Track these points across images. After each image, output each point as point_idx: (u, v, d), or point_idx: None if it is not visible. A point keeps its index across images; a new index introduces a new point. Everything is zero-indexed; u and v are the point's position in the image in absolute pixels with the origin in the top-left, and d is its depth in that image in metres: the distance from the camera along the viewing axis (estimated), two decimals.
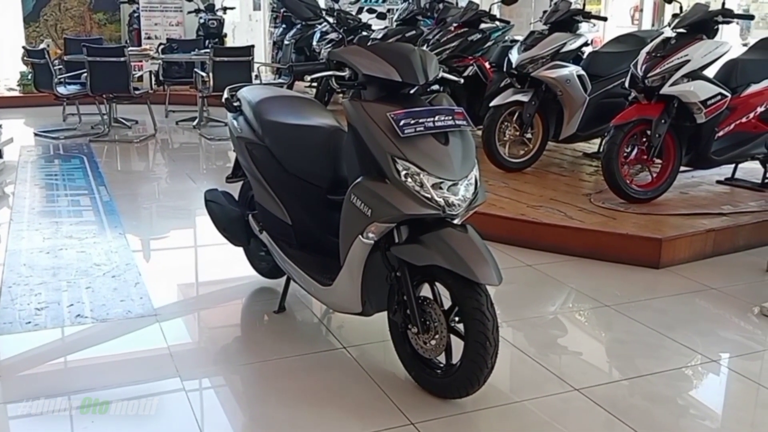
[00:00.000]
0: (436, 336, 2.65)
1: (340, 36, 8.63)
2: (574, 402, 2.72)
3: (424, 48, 6.51)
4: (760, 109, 4.97)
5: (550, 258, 4.28)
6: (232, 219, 3.57)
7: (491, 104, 5.67)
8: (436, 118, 2.59)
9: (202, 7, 11.90)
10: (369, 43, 7.46)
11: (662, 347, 3.17)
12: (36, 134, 8.42)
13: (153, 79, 10.28)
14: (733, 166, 5.45)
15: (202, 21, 11.74)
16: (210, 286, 3.99)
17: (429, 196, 2.51)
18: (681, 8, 5.39)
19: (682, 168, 5.06)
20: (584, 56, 6.08)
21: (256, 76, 8.35)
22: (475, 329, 2.51)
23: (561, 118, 5.75)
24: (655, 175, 4.89)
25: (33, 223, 4.90)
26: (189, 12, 12.03)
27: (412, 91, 2.68)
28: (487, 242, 4.34)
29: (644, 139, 4.78)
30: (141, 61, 10.34)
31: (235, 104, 3.49)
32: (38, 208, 5.32)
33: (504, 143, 5.74)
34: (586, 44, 5.83)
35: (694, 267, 4.16)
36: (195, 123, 8.76)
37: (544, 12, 5.88)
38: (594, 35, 15.29)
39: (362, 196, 2.61)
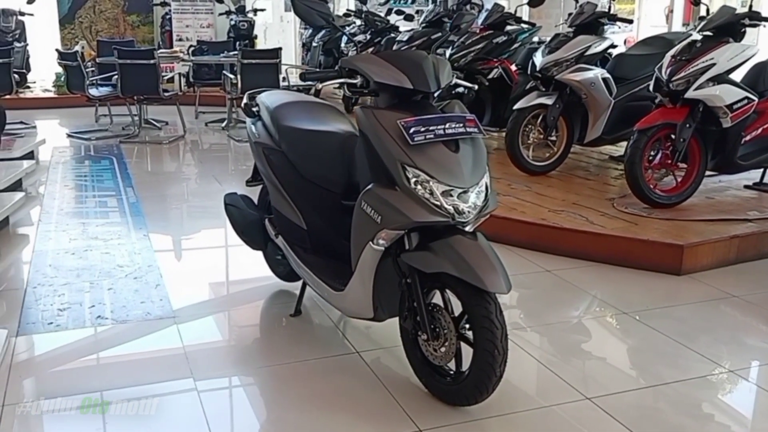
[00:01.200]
0: (446, 343, 2.65)
1: (366, 38, 8.71)
2: (585, 411, 2.70)
3: (448, 51, 6.53)
4: None
5: (570, 263, 4.25)
6: (250, 223, 3.61)
7: (515, 107, 5.65)
8: (447, 125, 2.59)
9: (233, 8, 12.02)
10: (394, 45, 7.51)
11: (679, 356, 3.14)
12: (69, 135, 8.59)
13: (183, 80, 10.42)
14: (761, 170, 5.35)
15: (232, 23, 11.87)
16: (229, 288, 4.04)
17: (438, 203, 2.52)
18: (708, 11, 5.31)
19: (708, 172, 5.00)
20: (611, 58, 6.03)
21: (284, 78, 8.41)
22: (484, 337, 2.51)
23: (586, 121, 5.70)
24: (679, 179, 4.82)
25: (61, 224, 5.01)
26: (220, 14, 12.16)
27: (426, 97, 2.69)
28: (508, 247, 4.45)
29: (669, 144, 4.72)
30: (172, 63, 10.49)
31: (254, 109, 3.53)
32: (66, 209, 5.43)
33: (528, 146, 5.71)
34: (612, 47, 5.77)
35: (716, 274, 4.10)
36: (224, 125, 8.86)
37: (569, 14, 5.84)
38: (628, 35, 15.17)
39: (372, 203, 2.62)
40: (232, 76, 8.21)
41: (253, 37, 12.02)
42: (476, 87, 3.10)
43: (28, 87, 11.61)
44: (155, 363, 3.13)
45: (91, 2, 12.77)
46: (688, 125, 4.61)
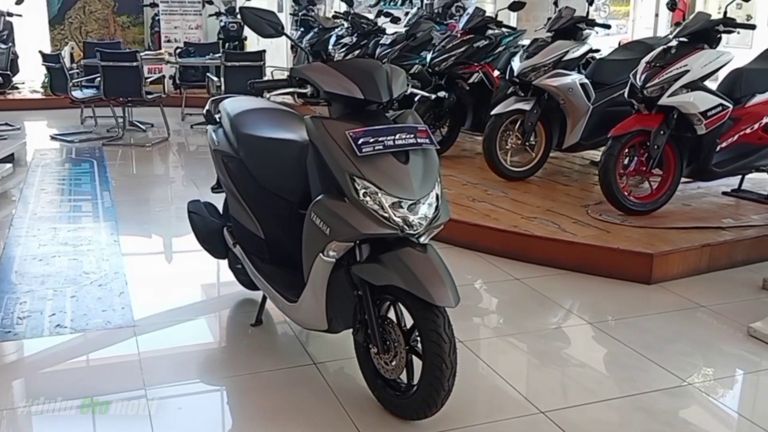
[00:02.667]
0: (396, 357, 2.62)
1: (353, 41, 8.66)
2: (538, 425, 2.67)
3: (429, 55, 6.49)
4: (765, 120, 4.85)
5: (540, 272, 4.21)
6: (211, 231, 3.58)
7: (492, 113, 5.62)
8: (397, 136, 2.56)
9: (222, 10, 12.00)
10: (377, 49, 7.47)
11: (639, 369, 3.10)
12: (53, 137, 8.56)
13: (171, 82, 10.38)
14: (740, 177, 5.32)
15: (222, 24, 11.84)
16: (194, 296, 3.98)
17: (387, 215, 2.48)
18: (684, 16, 5.27)
19: (684, 180, 4.97)
20: (591, 63, 5.99)
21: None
22: (432, 351, 2.48)
23: (564, 126, 5.67)
24: (654, 187, 4.79)
25: (32, 229, 4.97)
26: (210, 15, 12.15)
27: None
28: (480, 254, 4.41)
29: (643, 150, 4.68)
30: (161, 65, 10.46)
31: (217, 116, 3.50)
32: (40, 213, 5.39)
33: (506, 152, 5.68)
34: (591, 51, 5.73)
35: (687, 283, 4.06)
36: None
37: (549, 19, 5.81)
38: (622, 37, 15.12)
39: (321, 215, 2.59)
40: (215, 78, 8.18)
41: (243, 38, 11.99)
42: (433, 96, 3.07)
43: (17, 88, 11.57)
44: (108, 373, 3.09)
45: (80, 3, 12.77)
46: (662, 132, 4.58)
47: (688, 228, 4.47)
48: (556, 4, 6.03)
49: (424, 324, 2.49)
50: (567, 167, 6.32)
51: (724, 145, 4.78)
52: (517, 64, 5.55)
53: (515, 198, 5.20)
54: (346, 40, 9.05)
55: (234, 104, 3.50)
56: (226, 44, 11.59)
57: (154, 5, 11.89)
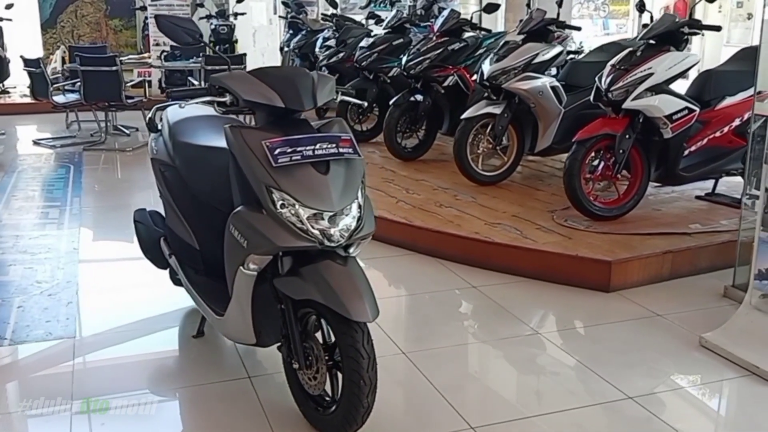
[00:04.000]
0: (319, 372, 2.56)
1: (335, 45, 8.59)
2: None
3: (404, 58, 6.41)
4: (735, 123, 4.75)
5: (499, 279, 4.14)
6: (155, 241, 3.52)
7: (462, 116, 5.55)
8: (318, 146, 2.49)
9: (213, 13, 11.95)
10: (356, 51, 7.39)
11: (580, 381, 3.03)
12: (35, 142, 8.54)
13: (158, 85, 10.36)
14: (713, 181, 5.23)
15: (212, 27, 11.79)
16: (143, 306, 3.89)
17: (305, 228, 2.42)
18: (652, 18, 5.18)
19: (654, 184, 4.89)
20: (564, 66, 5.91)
21: None
22: (350, 367, 2.42)
23: (537, 130, 5.58)
24: (621, 192, 4.71)
25: None
26: (200, 18, 12.09)
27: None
28: (440, 261, 4.33)
29: (610, 155, 4.60)
30: (150, 68, 10.44)
31: (158, 124, 3.44)
32: (6, 220, 5.36)
33: (477, 156, 5.60)
34: (562, 54, 5.65)
35: (647, 291, 3.98)
36: None
37: (520, 21, 5.73)
38: (623, 36, 14.99)
39: (239, 227, 2.53)
40: (196, 82, 8.13)
41: (234, 41, 11.94)
42: (365, 104, 2.99)
43: (7, 92, 11.59)
44: (37, 385, 3.04)
45: (72, 7, 12.77)
46: (627, 136, 4.49)
47: (652, 234, 4.38)
48: (528, 5, 5.94)
49: (342, 339, 2.43)
50: (544, 171, 6.23)
51: (692, 149, 4.70)
52: (487, 68, 5.47)
53: (483, 203, 5.13)
54: (331, 42, 8.98)
55: (176, 112, 3.43)
56: (217, 47, 11.54)
57: (144, 8, 11.86)
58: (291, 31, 10.91)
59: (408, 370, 3.10)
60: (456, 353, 3.32)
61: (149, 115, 3.46)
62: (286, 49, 10.23)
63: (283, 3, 11.20)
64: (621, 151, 4.50)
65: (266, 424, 2.71)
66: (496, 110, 5.44)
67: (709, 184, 5.28)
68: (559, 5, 5.79)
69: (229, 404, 2.85)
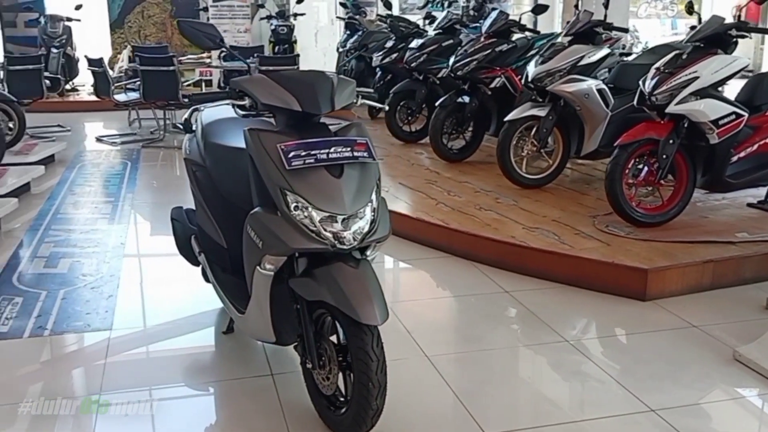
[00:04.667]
0: (331, 372, 2.59)
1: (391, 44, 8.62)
2: None
3: (452, 59, 6.39)
4: None
5: (534, 285, 4.09)
6: (188, 239, 3.61)
7: (506, 119, 5.51)
8: (332, 149, 2.52)
9: (273, 13, 12.14)
10: (407, 53, 7.40)
11: (602, 391, 2.98)
12: (97, 139, 8.85)
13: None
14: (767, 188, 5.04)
15: (272, 27, 11.98)
16: (180, 301, 4.00)
17: (316, 230, 2.45)
18: (700, 19, 5.03)
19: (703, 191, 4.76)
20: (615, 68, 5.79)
21: None
22: (359, 369, 2.44)
23: (583, 133, 5.49)
24: (666, 198, 4.59)
25: (48, 230, 5.14)
26: (261, 18, 12.32)
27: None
28: (476, 264, 4.31)
29: (654, 160, 4.50)
30: (209, 68, 10.68)
31: (194, 125, 3.53)
32: (61, 214, 5.58)
33: (521, 159, 5.55)
34: (610, 56, 5.53)
35: (685, 301, 3.87)
36: None
37: (567, 22, 5.64)
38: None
39: (255, 227, 2.58)
40: None
41: (293, 41, 12.10)
42: (386, 107, 3.01)
43: (76, 90, 12.03)
44: (68, 376, 3.16)
45: (139, 7, 13.15)
46: (671, 141, 4.38)
47: (694, 242, 4.26)
48: (577, 6, 5.85)
49: (353, 341, 2.46)
50: (592, 175, 6.12)
51: (741, 155, 4.55)
52: (532, 69, 5.42)
53: (525, 207, 5.07)
54: (387, 43, 9.01)
55: (209, 113, 3.51)
56: (276, 47, 11.74)
57: (205, 9, 12.14)
58: (348, 32, 11.00)
59: (429, 374, 3.10)
60: (479, 358, 3.30)
61: (185, 116, 3.55)
62: (341, 49, 10.30)
63: (341, 4, 11.29)
64: (664, 156, 4.39)
65: (283, 422, 2.75)
66: (541, 113, 5.38)
67: (762, 191, 5.10)
68: (606, 6, 5.68)
69: (249, 401, 2.91)
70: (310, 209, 2.45)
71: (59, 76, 9.32)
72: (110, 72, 8.44)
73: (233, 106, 2.68)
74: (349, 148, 2.55)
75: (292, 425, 2.73)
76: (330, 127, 2.71)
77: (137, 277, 4.35)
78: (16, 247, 4.79)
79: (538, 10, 6.39)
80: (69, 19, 11.42)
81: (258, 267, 2.61)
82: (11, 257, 4.57)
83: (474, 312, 3.85)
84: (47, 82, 8.36)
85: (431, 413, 2.85)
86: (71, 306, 3.81)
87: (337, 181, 2.50)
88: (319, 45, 14.51)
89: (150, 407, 2.91)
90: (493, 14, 6.45)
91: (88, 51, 12.12)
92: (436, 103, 6.43)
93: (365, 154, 2.58)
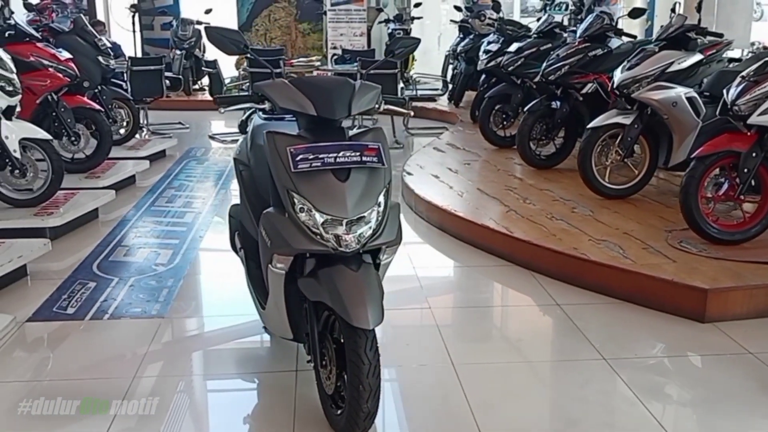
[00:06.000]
0: (331, 372, 2.64)
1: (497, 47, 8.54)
2: None
3: (545, 63, 6.25)
4: None
5: (589, 299, 3.95)
6: (234, 235, 3.76)
7: (589, 126, 5.33)
8: (340, 153, 2.57)
9: (391, 17, 12.31)
10: (504, 56, 7.31)
11: (624, 414, 2.84)
12: (210, 136, 9.32)
13: None
14: None
15: (389, 31, 12.15)
16: (234, 295, 4.12)
17: (318, 232, 2.51)
18: None
19: None
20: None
21: (404, 87, 8.49)
22: (352, 371, 2.47)
23: (672, 143, 5.22)
24: (748, 215, 4.29)
25: (139, 221, 5.50)
26: (379, 22, 12.52)
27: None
28: (536, 274, 4.21)
29: (735, 174, 4.22)
30: (323, 71, 10.96)
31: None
32: (154, 207, 5.94)
33: (604, 168, 5.35)
34: (701, 63, 5.21)
35: (749, 325, 3.61)
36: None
37: (661, 26, 5.38)
38: None
39: (266, 227, 2.67)
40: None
41: None
42: (412, 113, 3.03)
43: (203, 90, 12.71)
44: (111, 360, 3.36)
45: (266, 11, 13.69)
46: (754, 154, 4.10)
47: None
48: (673, 10, 5.56)
49: (348, 343, 2.49)
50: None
51: None
52: (618, 75, 5.21)
53: (599, 218, 4.89)
54: (492, 46, 8.93)
55: (264, 115, 3.65)
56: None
57: (326, 13, 12.48)
58: (461, 35, 10.98)
59: (449, 382, 3.07)
60: (506, 370, 3.22)
61: (242, 118, 3.73)
62: (447, 52, 10.29)
63: (455, 8, 11.26)
64: (745, 170, 4.11)
65: (291, 417, 2.82)
66: (626, 120, 5.17)
67: None
68: (698, 10, 5.35)
69: (271, 396, 3.01)
70: (313, 211, 2.51)
71: (180, 77, 9.88)
72: (223, 74, 8.83)
73: (255, 109, 2.78)
74: (358, 153, 2.58)
75: (299, 421, 2.79)
76: (351, 131, 2.76)
77: (203, 270, 4.57)
78: (106, 235, 5.14)
79: (635, 13, 6.12)
80: (198, 23, 12.07)
81: (270, 265, 2.70)
82: (98, 244, 4.92)
83: (517, 323, 3.77)
84: (167, 82, 8.88)
85: (438, 424, 2.82)
86: (135, 293, 4.06)
87: (341, 184, 2.54)
88: (443, 48, 14.56)
89: (173, 394, 3.06)
90: (590, 18, 6.24)
91: (217, 53, 12.85)
92: (525, 108, 6.31)
93: (374, 159, 2.60)
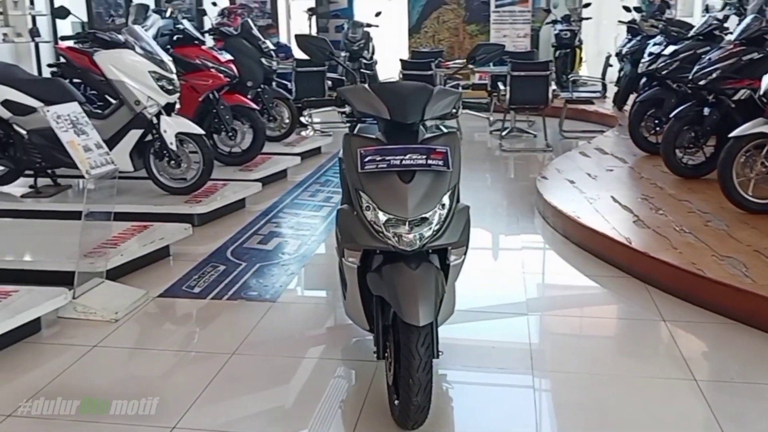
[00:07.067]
0: (392, 365, 2.76)
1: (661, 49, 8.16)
2: None
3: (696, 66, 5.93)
4: None
5: (700, 317, 3.76)
6: None
7: (731, 134, 5.01)
8: (407, 156, 2.68)
9: (558, 18, 12.09)
10: (659, 57, 6.98)
11: None
12: None
13: None
14: None
15: (555, 32, 11.96)
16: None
17: (381, 230, 2.64)
18: None
19: None
20: None
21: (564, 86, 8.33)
22: (404, 365, 2.59)
23: None
24: None
25: (279, 212, 5.90)
26: (546, 23, 12.35)
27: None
28: (651, 288, 4.06)
29: None
30: (486, 72, 11.02)
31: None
32: (297, 200, 6.32)
33: (747, 180, 5.01)
34: None
35: None
36: (504, 132, 9.07)
37: None
38: None
39: (339, 222, 2.85)
40: (503, 87, 8.41)
41: (576, 45, 11.93)
42: (490, 118, 3.06)
43: None
44: (220, 335, 3.69)
45: (436, 13, 13.93)
46: None
47: None
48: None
49: (402, 338, 2.60)
50: None
51: None
52: (765, 82, 4.85)
53: (733, 234, 4.60)
54: (656, 48, 8.55)
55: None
56: (557, 52, 11.71)
57: (489, 15, 12.49)
58: (629, 36, 10.59)
59: (520, 390, 3.09)
60: (583, 382, 3.15)
61: None
62: (607, 53, 9.94)
63: (624, 8, 10.85)
64: None
65: (360, 405, 2.97)
66: None
67: None
68: None
69: (343, 381, 3.19)
70: (377, 210, 2.65)
71: (343, 77, 10.31)
72: (379, 77, 9.12)
73: (338, 112, 2.97)
74: (424, 156, 2.68)
75: (366, 409, 2.93)
76: (426, 135, 2.87)
77: (322, 261, 4.84)
78: (248, 223, 5.57)
79: None
80: (369, 25, 12.54)
81: (342, 259, 2.87)
82: (238, 232, 5.34)
83: (615, 336, 3.68)
84: (329, 83, 9.33)
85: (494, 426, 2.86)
86: (257, 278, 4.40)
87: (404, 186, 2.65)
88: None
89: (266, 368, 3.31)
90: (748, 19, 5.83)
91: (389, 55, 13.26)
92: (671, 114, 6.02)
93: (440, 162, 2.69)
